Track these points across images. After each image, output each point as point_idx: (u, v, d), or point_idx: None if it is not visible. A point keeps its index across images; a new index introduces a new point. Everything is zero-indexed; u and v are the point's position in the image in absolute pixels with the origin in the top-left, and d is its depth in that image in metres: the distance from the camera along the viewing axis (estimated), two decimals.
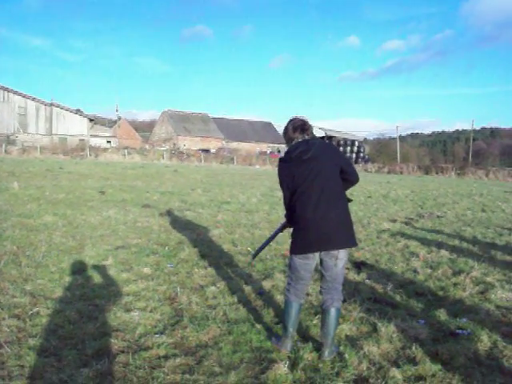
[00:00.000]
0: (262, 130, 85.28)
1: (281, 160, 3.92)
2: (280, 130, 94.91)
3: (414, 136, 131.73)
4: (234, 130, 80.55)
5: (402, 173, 50.79)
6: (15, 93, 57.39)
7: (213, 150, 65.20)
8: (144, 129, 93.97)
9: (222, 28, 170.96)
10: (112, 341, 3.95)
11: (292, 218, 3.90)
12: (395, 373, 3.45)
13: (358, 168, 54.62)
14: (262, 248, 4.68)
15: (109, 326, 4.26)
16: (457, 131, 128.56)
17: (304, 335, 4.23)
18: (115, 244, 7.53)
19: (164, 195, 14.27)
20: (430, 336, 4.22)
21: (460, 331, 4.33)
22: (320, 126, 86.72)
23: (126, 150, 49.64)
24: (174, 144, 66.55)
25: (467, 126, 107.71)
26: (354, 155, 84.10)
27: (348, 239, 3.78)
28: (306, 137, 3.86)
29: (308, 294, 5.18)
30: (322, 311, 3.94)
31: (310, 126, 3.92)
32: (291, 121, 3.96)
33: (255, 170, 41.88)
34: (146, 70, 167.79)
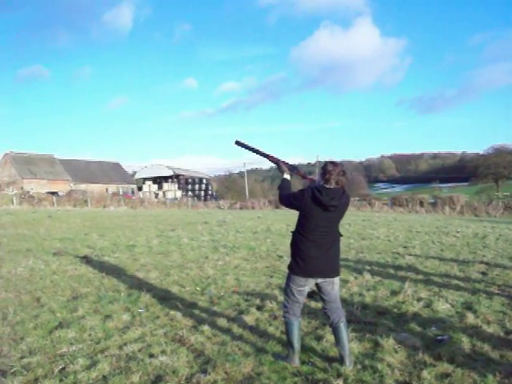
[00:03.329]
0: (110, 171, 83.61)
1: (313, 191, 4.28)
2: (128, 170, 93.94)
3: (255, 171, 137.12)
4: (82, 171, 78.06)
5: (253, 208, 52.61)
6: None
7: (61, 193, 62.59)
8: None
9: (61, 69, 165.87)
10: None
11: (299, 246, 4.46)
12: (424, 374, 4.22)
13: (211, 205, 55.91)
14: (249, 147, 5.20)
15: (150, 374, 4.37)
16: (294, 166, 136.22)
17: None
18: (67, 295, 7.36)
19: (65, 242, 13.79)
20: (422, 344, 5.08)
21: (441, 337, 5.24)
22: (167, 165, 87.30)
23: None
24: (22, 188, 62.85)
25: (303, 160, 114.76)
26: (202, 192, 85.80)
27: (339, 268, 4.58)
28: (334, 184, 4.32)
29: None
30: (332, 329, 4.62)
31: (346, 179, 4.41)
32: (337, 167, 4.35)
33: (115, 211, 41.10)
34: None
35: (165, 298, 7.27)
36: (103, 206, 50.59)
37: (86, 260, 10.57)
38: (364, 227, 20.22)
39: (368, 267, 9.81)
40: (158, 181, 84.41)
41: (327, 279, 4.47)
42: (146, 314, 6.38)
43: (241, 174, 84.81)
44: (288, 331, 4.60)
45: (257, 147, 5.15)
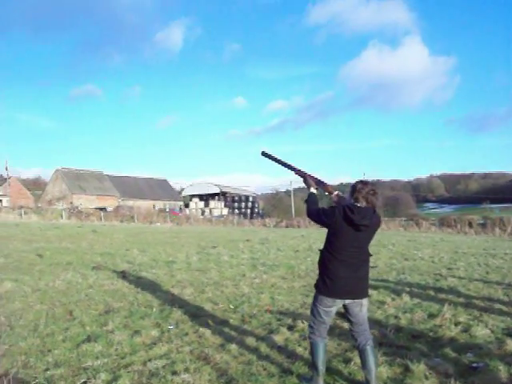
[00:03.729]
0: (158, 188, 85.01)
1: (344, 210, 4.16)
2: (175, 186, 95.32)
3: (302, 190, 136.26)
4: (130, 187, 79.62)
5: (299, 226, 52.39)
6: None
7: (109, 209, 63.85)
8: (30, 186, 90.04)
9: (112, 88, 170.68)
10: None
11: (327, 266, 4.33)
12: None
13: (257, 223, 55.90)
14: (275, 159, 5.12)
15: None
16: (341, 185, 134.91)
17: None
18: (100, 309, 7.41)
19: (105, 256, 14.01)
20: (455, 370, 4.82)
21: (476, 364, 4.96)
22: (215, 183, 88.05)
23: (22, 210, 47.44)
24: (71, 203, 64.46)
25: (350, 179, 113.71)
26: (248, 210, 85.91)
27: (368, 289, 4.45)
28: (365, 204, 4.23)
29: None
30: (359, 352, 4.45)
31: (376, 199, 4.30)
32: (368, 186, 4.28)
33: (160, 227, 41.60)
34: (31, 127, 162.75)
35: (196, 315, 7.22)
36: (150, 222, 51.21)
37: (124, 275, 10.64)
38: (408, 248, 19.78)
39: (407, 289, 9.53)
40: (205, 198, 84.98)
41: (355, 301, 4.32)
42: (175, 331, 6.33)
43: (288, 192, 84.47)
44: (313, 353, 4.46)
45: (283, 160, 5.08)
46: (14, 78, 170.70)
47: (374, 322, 6.75)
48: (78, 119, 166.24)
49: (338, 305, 4.34)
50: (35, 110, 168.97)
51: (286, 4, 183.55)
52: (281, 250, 17.52)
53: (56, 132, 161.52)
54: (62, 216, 47.39)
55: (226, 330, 6.44)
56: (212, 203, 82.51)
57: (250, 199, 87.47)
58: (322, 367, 4.39)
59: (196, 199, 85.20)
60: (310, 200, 4.63)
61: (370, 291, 9.08)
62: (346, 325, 6.38)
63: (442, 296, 8.82)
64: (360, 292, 4.33)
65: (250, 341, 5.87)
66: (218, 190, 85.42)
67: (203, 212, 76.98)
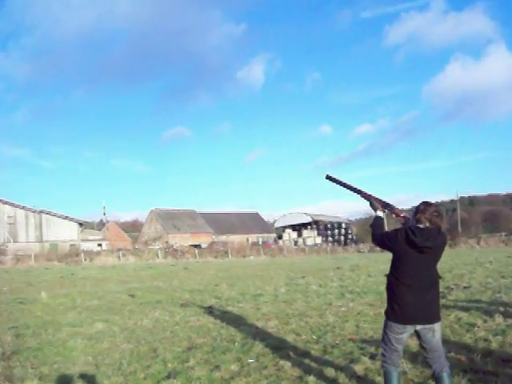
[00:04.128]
0: (249, 221, 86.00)
1: (406, 232, 4.02)
2: (268, 218, 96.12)
3: None
4: (223, 223, 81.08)
5: None
6: (4, 202, 57.68)
7: (204, 245, 65.29)
8: (128, 229, 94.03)
9: (200, 128, 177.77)
10: None
11: (394, 291, 4.18)
12: None
13: (351, 250, 55.05)
14: (340, 182, 4.94)
15: None
16: (436, 203, 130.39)
17: None
18: (183, 345, 7.50)
19: (194, 293, 14.26)
20: None
21: None
22: (306, 212, 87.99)
23: (120, 252, 49.46)
24: (167, 242, 66.54)
25: (445, 197, 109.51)
26: (342, 237, 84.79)
27: (439, 313, 4.19)
28: (428, 224, 4.04)
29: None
30: (435, 380, 4.23)
31: (440, 220, 4.10)
32: (431, 207, 4.13)
33: (253, 260, 41.92)
34: (127, 172, 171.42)
35: (278, 347, 7.11)
36: (243, 256, 51.73)
37: (210, 310, 10.72)
38: (507, 265, 18.75)
39: (502, 309, 8.99)
40: (297, 228, 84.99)
41: (426, 326, 4.10)
42: (254, 365, 6.27)
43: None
44: (385, 382, 4.28)
45: (348, 182, 4.96)
46: (108, 127, 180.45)
47: (461, 347, 6.44)
48: (169, 161, 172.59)
49: (408, 331, 4.16)
50: (130, 155, 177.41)
51: (362, 28, 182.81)
52: (371, 276, 17.11)
53: (150, 175, 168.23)
54: (157, 255, 48.93)
55: (307, 361, 6.31)
56: (305, 233, 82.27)
57: (343, 226, 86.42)
58: None
59: (289, 230, 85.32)
60: (376, 224, 4.50)
61: (461, 313, 8.72)
62: None
63: None
64: (430, 316, 4.13)
65: (329, 371, 5.71)
66: (310, 219, 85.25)
67: (296, 242, 76.83)
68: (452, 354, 6.11)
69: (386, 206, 4.64)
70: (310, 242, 75.67)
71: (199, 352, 7.03)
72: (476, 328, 7.50)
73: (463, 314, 8.70)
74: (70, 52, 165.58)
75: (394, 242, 4.11)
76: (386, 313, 4.27)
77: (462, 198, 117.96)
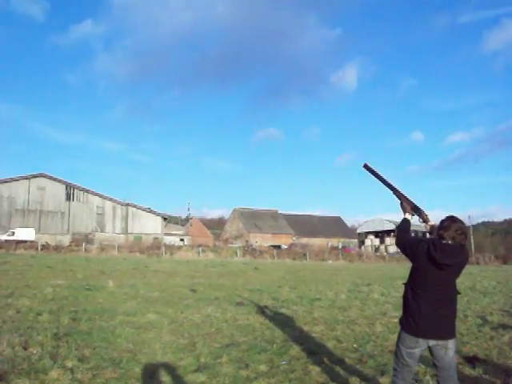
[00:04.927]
0: (331, 225, 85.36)
1: (429, 246, 3.92)
2: (349, 223, 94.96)
3: (485, 224, 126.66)
4: (304, 225, 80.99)
5: (478, 263, 49.18)
6: (94, 194, 60.70)
7: (284, 246, 65.44)
8: (213, 226, 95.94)
9: (291, 130, 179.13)
10: None
11: (409, 301, 4.08)
12: None
13: None
14: (377, 174, 4.84)
15: None
16: (462, 220, 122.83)
17: None
18: (223, 342, 7.65)
19: (254, 293, 14.41)
20: None
21: None
22: (389, 219, 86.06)
23: (199, 248, 50.60)
24: (247, 241, 67.37)
25: None
26: None
27: (454, 330, 4.06)
28: (451, 242, 3.93)
29: None
30: None
31: (464, 237, 4.00)
32: (456, 224, 3.98)
33: (330, 265, 41.59)
34: (215, 169, 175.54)
35: (314, 352, 7.11)
36: (321, 260, 51.42)
37: (262, 311, 10.79)
38: None
39: None
40: (380, 235, 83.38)
41: (439, 342, 4.00)
42: (284, 367, 6.31)
43: (472, 227, 78.98)
44: None
45: (384, 177, 4.84)
46: (200, 126, 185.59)
47: (502, 370, 6.20)
48: (258, 161, 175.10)
49: (421, 346, 4.06)
50: (220, 154, 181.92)
51: (460, 33, 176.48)
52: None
53: (238, 174, 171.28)
54: (236, 254, 49.62)
55: (337, 369, 6.28)
56: (387, 240, 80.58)
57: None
58: None
59: (371, 236, 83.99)
60: (401, 226, 4.45)
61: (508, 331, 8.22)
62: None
63: None
64: (444, 332, 4.02)
65: (354, 381, 5.69)
66: (392, 227, 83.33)
67: (377, 249, 75.41)
68: (487, 376, 5.85)
69: (415, 209, 4.54)
70: (391, 249, 73.94)
71: (235, 350, 7.13)
72: None
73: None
74: (168, 53, 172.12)
75: (415, 253, 4.05)
76: (401, 322, 4.21)
77: None
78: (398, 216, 4.61)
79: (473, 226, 75.56)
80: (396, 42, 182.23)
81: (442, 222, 4.02)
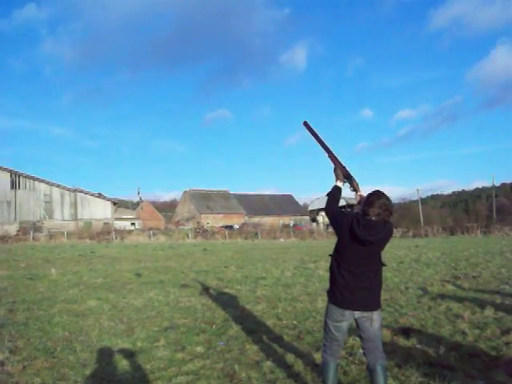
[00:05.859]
0: (283, 203, 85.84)
1: (352, 221, 3.91)
2: (301, 201, 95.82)
3: (434, 197, 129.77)
4: (256, 204, 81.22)
5: (426, 235, 50.48)
6: (41, 180, 59.13)
7: (236, 226, 65.56)
8: (165, 209, 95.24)
9: (242, 110, 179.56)
10: None
11: (335, 273, 4.14)
12: None
13: None
14: (315, 134, 4.79)
15: None
16: (477, 189, 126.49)
17: None
18: (163, 325, 7.61)
19: (199, 274, 14.39)
20: None
21: None
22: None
23: (151, 231, 50.15)
24: (198, 222, 67.16)
25: (487, 184, 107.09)
26: None
27: (379, 302, 4.13)
28: (378, 219, 3.92)
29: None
30: (369, 372, 4.16)
31: (389, 213, 3.97)
32: (380, 200, 3.95)
33: (280, 243, 41.93)
34: (166, 152, 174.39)
35: (253, 331, 7.17)
36: (273, 238, 51.69)
37: (206, 292, 10.78)
38: None
39: (499, 301, 8.76)
40: None
41: (365, 314, 4.05)
42: (222, 348, 6.34)
43: (421, 200, 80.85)
44: (323, 372, 4.28)
45: (322, 138, 4.73)
46: (151, 109, 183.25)
47: (434, 339, 6.30)
48: (210, 143, 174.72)
49: (347, 319, 4.10)
50: (171, 137, 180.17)
51: (406, 12, 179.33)
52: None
53: (190, 156, 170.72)
54: (188, 236, 49.40)
55: (275, 346, 6.34)
56: None
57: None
58: None
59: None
60: (332, 193, 4.37)
61: (453, 304, 8.59)
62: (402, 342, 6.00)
63: None
64: (369, 304, 4.06)
65: (289, 358, 5.74)
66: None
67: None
68: (420, 345, 6.02)
69: (348, 176, 4.50)
70: None
71: (174, 332, 7.12)
72: (459, 320, 7.40)
73: (455, 305, 8.58)
74: (116, 36, 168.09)
75: (340, 225, 4.06)
76: (328, 294, 4.25)
77: (503, 184, 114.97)
78: (349, 193, 4.57)
79: (421, 199, 77.36)
80: (344, 21, 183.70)
81: (367, 197, 4.02)
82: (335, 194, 4.33)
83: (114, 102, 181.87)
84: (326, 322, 4.22)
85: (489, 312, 7.80)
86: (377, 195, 3.98)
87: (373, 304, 4.06)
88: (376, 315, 4.06)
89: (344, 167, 4.50)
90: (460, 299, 9.11)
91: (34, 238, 45.04)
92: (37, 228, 52.93)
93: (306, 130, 4.83)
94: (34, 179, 58.85)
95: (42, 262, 19.03)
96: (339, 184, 4.40)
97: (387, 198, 3.98)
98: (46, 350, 6.18)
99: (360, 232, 3.83)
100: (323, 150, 4.70)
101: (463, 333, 6.60)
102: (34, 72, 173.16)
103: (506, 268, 13.73)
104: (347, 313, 4.04)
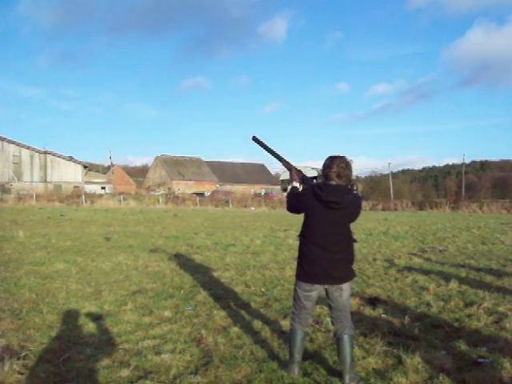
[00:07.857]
0: (255, 172, 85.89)
1: (313, 189, 3.97)
2: (274, 171, 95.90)
3: (405, 172, 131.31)
4: (228, 172, 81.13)
5: (396, 209, 51.03)
6: (9, 141, 57.92)
7: (207, 193, 65.49)
8: (137, 174, 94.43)
9: (219, 79, 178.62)
10: (149, 383, 4.05)
11: (303, 250, 4.16)
12: None
13: None
14: (265, 146, 4.82)
15: (142, 369, 4.32)
16: (447, 166, 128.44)
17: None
18: (131, 289, 7.62)
19: (169, 240, 14.39)
20: (454, 366, 4.33)
21: (482, 360, 4.45)
22: (313, 166, 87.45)
23: (121, 196, 49.80)
24: (169, 188, 66.88)
25: (457, 161, 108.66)
26: None
27: (350, 273, 4.13)
28: (340, 182, 3.95)
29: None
30: (335, 340, 4.23)
31: (349, 171, 4.01)
32: (336, 159, 3.99)
33: (251, 211, 42.06)
34: (139, 117, 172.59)
35: (221, 297, 7.21)
36: (244, 206, 51.83)
37: (175, 257, 10.78)
38: (494, 231, 18.65)
39: (464, 275, 8.92)
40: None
41: (335, 286, 4.05)
42: (189, 313, 6.37)
43: (392, 174, 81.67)
44: (290, 339, 4.33)
45: (273, 149, 4.83)
46: (127, 73, 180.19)
47: (399, 310, 6.41)
48: (186, 109, 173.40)
49: (317, 289, 4.15)
50: (146, 101, 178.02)
51: None
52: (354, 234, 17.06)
53: (164, 121, 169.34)
54: (158, 201, 49.20)
55: (242, 312, 6.40)
56: None
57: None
58: (297, 355, 4.24)
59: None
60: (291, 193, 4.41)
61: (419, 276, 8.72)
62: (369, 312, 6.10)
63: (499, 283, 8.15)
64: (338, 277, 4.08)
65: (256, 324, 5.79)
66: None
67: None
68: (386, 316, 6.13)
69: (304, 181, 4.52)
70: None
71: (142, 297, 7.13)
72: (425, 292, 7.51)
73: (421, 278, 8.72)
74: (96, 1, 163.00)
75: (303, 199, 4.08)
76: (296, 272, 4.26)
77: (473, 162, 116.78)
78: (322, 163, 4.56)
79: (392, 173, 78.05)
80: None
81: (324, 163, 4.04)
82: (293, 193, 4.36)
83: (89, 66, 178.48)
84: (295, 290, 4.24)
85: (453, 285, 7.96)
86: (332, 157, 4.03)
87: (342, 277, 4.07)
88: (346, 286, 4.09)
89: (299, 172, 4.56)
90: (426, 272, 9.28)
91: (1, 199, 44.32)
92: (5, 190, 52.13)
93: (257, 144, 4.85)
94: (3, 140, 57.62)
95: (10, 224, 18.79)
96: (296, 184, 4.46)
97: (343, 157, 4.02)
98: (11, 312, 6.14)
99: (323, 194, 3.87)
100: (277, 159, 4.78)
101: (428, 304, 6.72)
102: (9, 32, 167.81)
103: (472, 243, 14.01)
104: (317, 285, 4.09)
